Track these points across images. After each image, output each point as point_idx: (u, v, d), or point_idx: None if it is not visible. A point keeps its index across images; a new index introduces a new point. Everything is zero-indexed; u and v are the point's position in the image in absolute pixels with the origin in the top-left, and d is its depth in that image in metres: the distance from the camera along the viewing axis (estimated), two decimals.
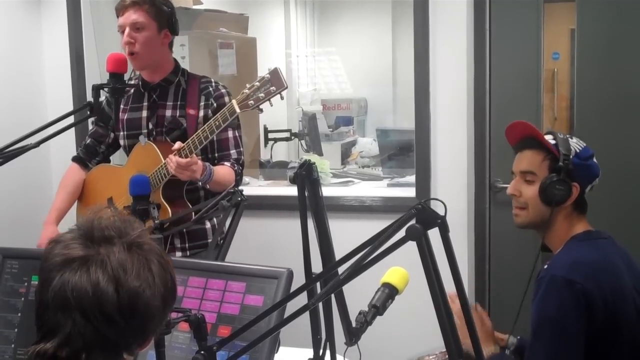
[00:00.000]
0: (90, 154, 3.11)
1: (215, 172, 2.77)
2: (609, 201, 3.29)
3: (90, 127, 3.16)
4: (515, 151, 2.26)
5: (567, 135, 2.20)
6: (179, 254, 2.92)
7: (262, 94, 2.53)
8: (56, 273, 1.21)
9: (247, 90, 2.55)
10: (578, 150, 2.15)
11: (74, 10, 3.88)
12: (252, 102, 2.54)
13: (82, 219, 1.30)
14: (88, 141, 3.13)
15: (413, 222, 1.40)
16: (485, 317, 2.41)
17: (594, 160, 2.19)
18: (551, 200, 2.13)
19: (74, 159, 3.14)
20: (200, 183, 2.79)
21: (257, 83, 2.54)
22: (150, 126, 2.93)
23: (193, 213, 2.64)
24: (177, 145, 2.67)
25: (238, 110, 2.57)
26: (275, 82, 2.52)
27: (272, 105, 2.59)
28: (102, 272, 1.19)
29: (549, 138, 2.18)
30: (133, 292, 1.20)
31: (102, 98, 3.00)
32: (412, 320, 3.07)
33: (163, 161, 2.74)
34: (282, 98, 2.57)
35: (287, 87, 2.54)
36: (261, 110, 2.59)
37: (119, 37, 2.89)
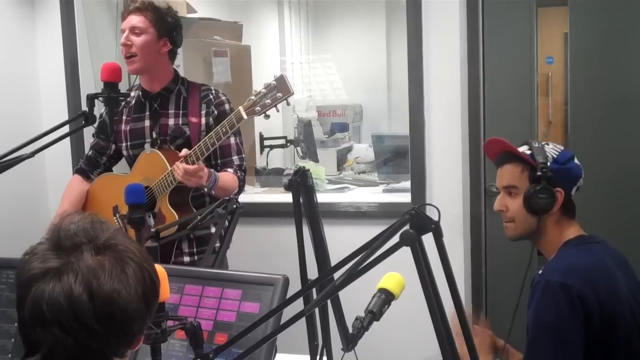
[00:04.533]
0: (92, 166, 3.14)
1: (220, 178, 2.81)
2: (603, 203, 3.31)
3: (87, 137, 3.17)
4: (496, 167, 2.27)
5: (543, 143, 2.20)
6: (186, 258, 2.96)
7: (268, 100, 2.55)
8: (29, 288, 1.18)
9: (253, 97, 2.57)
10: (555, 156, 2.15)
11: (67, 18, 3.88)
12: (258, 108, 2.56)
13: (50, 226, 1.26)
14: (89, 153, 3.16)
15: (407, 227, 1.40)
16: (485, 329, 2.40)
17: (575, 161, 2.18)
18: (537, 210, 2.14)
19: (77, 171, 3.16)
20: (206, 189, 2.81)
21: (263, 90, 2.56)
22: (154, 135, 2.96)
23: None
24: (184, 152, 2.70)
25: (245, 116, 2.59)
26: (282, 89, 2.54)
27: (278, 111, 2.62)
28: (74, 281, 1.16)
29: (524, 149, 2.19)
30: (108, 298, 1.17)
31: (103, 110, 3.00)
32: (408, 326, 3.07)
33: (169, 168, 2.76)
34: (288, 104, 2.60)
35: (293, 93, 2.57)
36: (268, 117, 2.60)
37: (113, 45, 2.92)
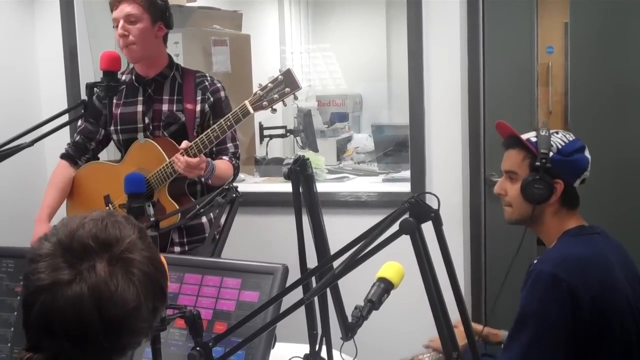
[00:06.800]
0: (80, 151, 3.08)
1: (216, 167, 2.80)
2: (603, 194, 3.30)
3: (79, 123, 3.13)
4: (504, 149, 2.28)
5: (553, 131, 2.18)
6: (177, 248, 2.94)
7: (276, 95, 2.54)
8: (37, 296, 1.15)
9: (260, 92, 2.56)
10: (560, 146, 2.14)
11: (67, 7, 3.87)
12: (265, 103, 2.56)
13: (62, 225, 1.21)
14: (77, 138, 3.09)
15: (406, 216, 1.40)
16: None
17: (583, 153, 2.16)
18: (532, 199, 2.14)
19: (63, 156, 3.09)
20: (202, 178, 2.81)
21: (270, 84, 2.55)
22: (147, 120, 2.93)
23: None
24: (185, 144, 2.68)
25: (252, 111, 2.59)
26: (289, 83, 2.54)
27: (285, 105, 2.61)
28: (85, 296, 1.13)
29: (531, 135, 2.18)
30: (119, 318, 1.15)
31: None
32: (408, 314, 3.07)
33: (167, 160, 2.74)
34: (295, 98, 2.61)
35: (301, 88, 2.56)
36: (275, 110, 2.60)
37: (112, 34, 2.89)
